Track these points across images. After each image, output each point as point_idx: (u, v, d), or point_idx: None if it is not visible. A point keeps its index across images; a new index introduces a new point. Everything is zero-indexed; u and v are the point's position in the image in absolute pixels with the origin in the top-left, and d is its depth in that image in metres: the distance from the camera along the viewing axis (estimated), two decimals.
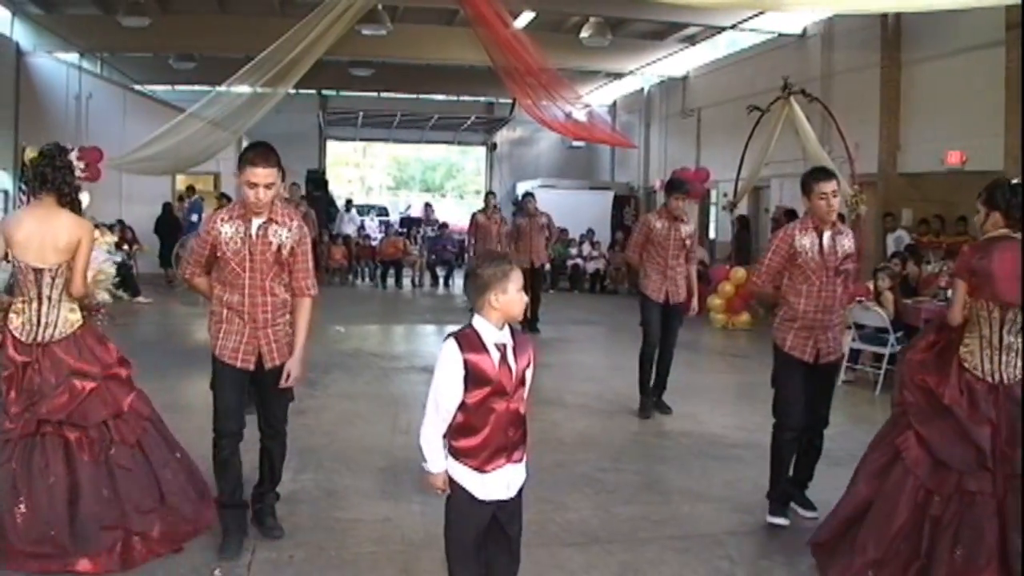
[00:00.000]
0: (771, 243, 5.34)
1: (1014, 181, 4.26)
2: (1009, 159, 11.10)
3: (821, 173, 5.21)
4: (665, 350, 7.92)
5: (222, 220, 4.43)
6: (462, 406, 3.21)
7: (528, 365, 3.29)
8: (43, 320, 4.38)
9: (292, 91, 15.52)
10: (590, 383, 9.29)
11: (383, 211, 31.25)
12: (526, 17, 16.70)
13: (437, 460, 3.34)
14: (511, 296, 3.19)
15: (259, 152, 4.33)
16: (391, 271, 19.73)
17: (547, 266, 16.32)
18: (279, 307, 4.50)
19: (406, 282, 19.84)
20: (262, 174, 4.28)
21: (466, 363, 3.15)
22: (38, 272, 4.36)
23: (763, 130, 13.75)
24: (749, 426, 7.12)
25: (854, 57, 15.15)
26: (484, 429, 3.21)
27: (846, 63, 15.47)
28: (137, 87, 22.39)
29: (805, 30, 16.95)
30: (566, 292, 19.19)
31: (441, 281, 19.99)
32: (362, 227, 23.13)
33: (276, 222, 4.43)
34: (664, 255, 7.71)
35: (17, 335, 4.38)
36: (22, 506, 4.16)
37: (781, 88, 13.23)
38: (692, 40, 20.03)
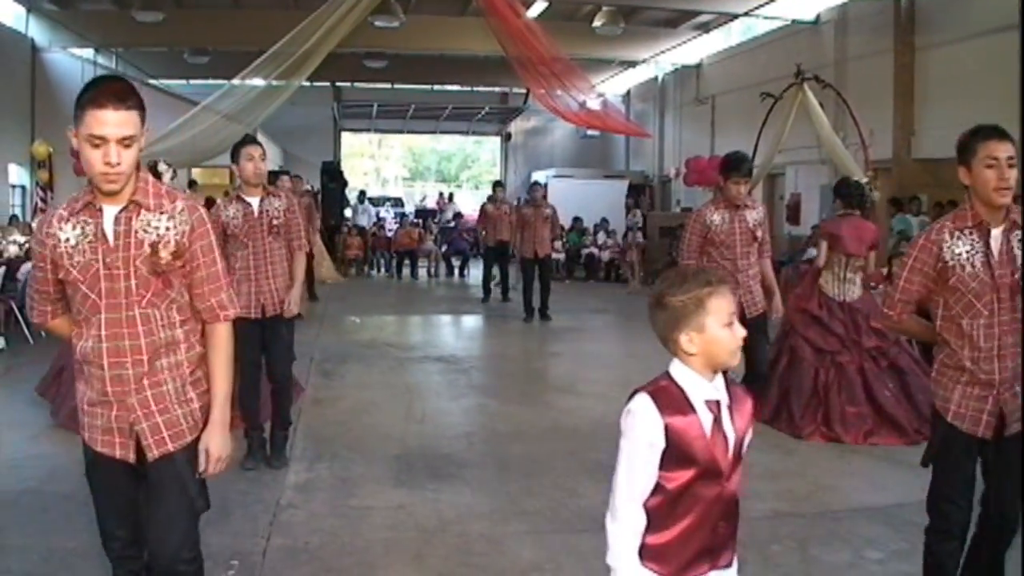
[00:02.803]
0: (909, 252, 3.56)
1: (854, 178, 7.56)
2: None
3: (990, 130, 3.37)
4: (754, 377, 6.26)
5: (60, 220, 2.76)
6: (657, 489, 2.24)
7: (748, 429, 2.34)
8: None
9: (306, 83, 15.58)
10: (604, 371, 9.30)
11: (398, 202, 31.31)
12: (539, 6, 16.72)
13: (630, 568, 2.26)
14: (713, 334, 2.22)
15: (106, 87, 2.63)
16: (406, 262, 19.79)
17: (556, 256, 16.40)
18: (160, 350, 2.78)
19: (422, 272, 19.89)
20: (114, 119, 2.59)
21: (668, 430, 2.19)
22: None
23: (777, 117, 13.69)
24: (759, 414, 7.12)
25: (867, 43, 15.06)
26: (683, 521, 2.25)
27: (860, 49, 15.38)
28: (152, 82, 22.50)
29: (818, 16, 16.87)
30: (581, 281, 19.18)
31: (456, 271, 20.03)
32: (377, 218, 23.19)
33: (146, 207, 2.75)
34: (731, 255, 6.14)
35: None
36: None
37: (794, 75, 13.17)
38: (705, 28, 19.98)
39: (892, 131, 14.21)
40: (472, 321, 13.63)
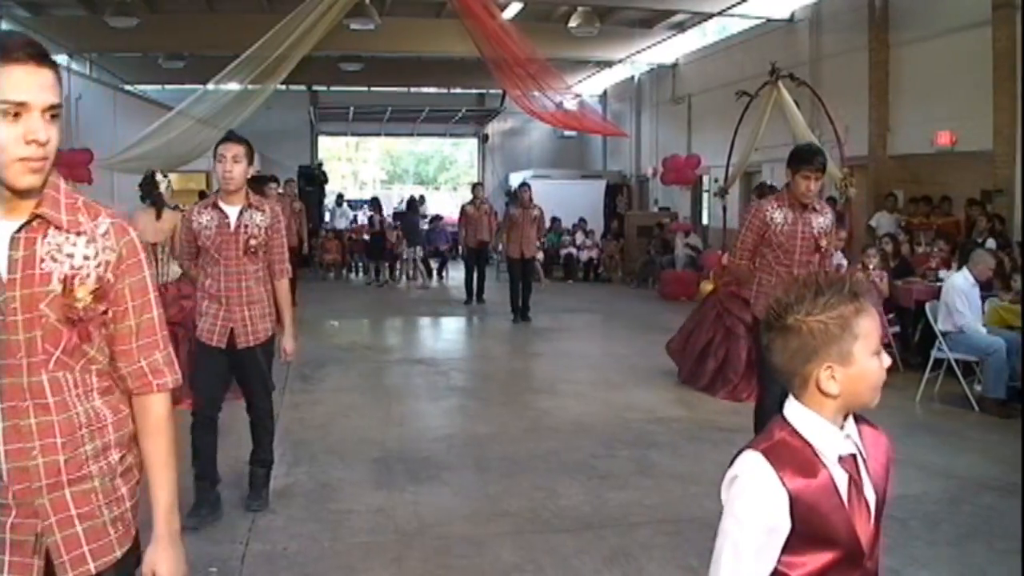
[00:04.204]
0: None
1: (769, 183, 8.66)
2: (999, 138, 11.12)
3: None
4: None
5: None
6: None
7: (887, 478, 1.75)
8: (160, 271, 6.99)
9: (282, 87, 15.49)
10: (583, 371, 9.32)
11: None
12: (514, 8, 16.71)
13: None
14: (863, 367, 1.65)
15: (19, 39, 1.81)
16: (384, 264, 19.73)
17: (538, 257, 16.40)
18: (80, 431, 1.92)
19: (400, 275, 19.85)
20: (37, 80, 1.78)
21: (794, 503, 1.60)
22: (152, 245, 6.82)
23: (752, 115, 13.75)
24: (741, 410, 7.15)
25: (842, 40, 15.15)
26: None
27: (834, 47, 15.48)
28: (127, 87, 22.36)
29: (793, 15, 16.94)
30: (560, 281, 19.21)
31: (435, 273, 20.00)
32: (354, 222, 23.10)
33: (56, 225, 1.89)
34: (789, 261, 5.29)
35: None
36: None
37: (769, 73, 13.23)
38: (681, 27, 20.01)
39: (867, 128, 14.30)
40: (451, 323, 13.61)
